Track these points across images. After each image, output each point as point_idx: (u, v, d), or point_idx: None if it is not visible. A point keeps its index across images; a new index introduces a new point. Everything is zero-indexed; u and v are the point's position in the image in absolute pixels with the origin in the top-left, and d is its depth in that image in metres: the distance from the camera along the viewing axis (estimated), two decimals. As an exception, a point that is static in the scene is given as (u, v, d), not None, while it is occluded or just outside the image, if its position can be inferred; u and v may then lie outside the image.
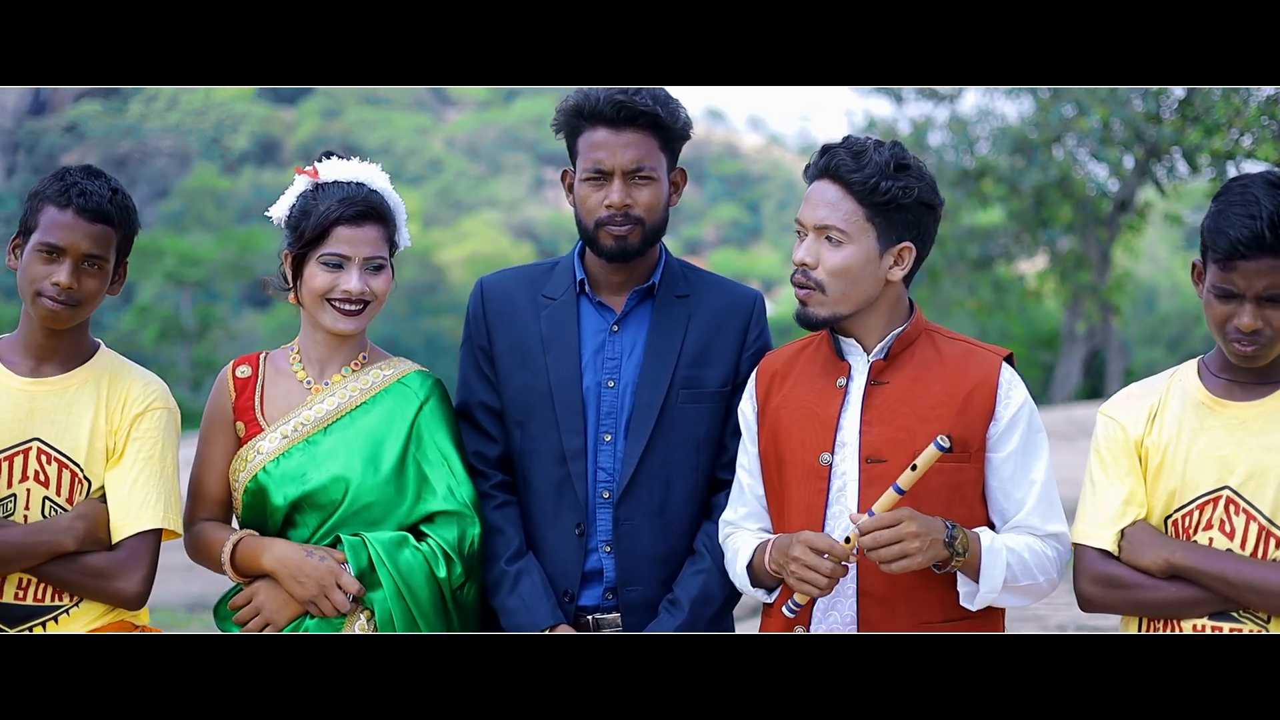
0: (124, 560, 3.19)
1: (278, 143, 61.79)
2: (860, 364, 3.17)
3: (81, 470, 3.22)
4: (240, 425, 3.43)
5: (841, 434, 3.13)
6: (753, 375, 3.36)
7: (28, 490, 3.19)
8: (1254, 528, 2.95)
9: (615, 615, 3.40)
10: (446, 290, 42.70)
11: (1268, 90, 11.20)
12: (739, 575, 3.24)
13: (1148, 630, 3.06)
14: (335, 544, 3.35)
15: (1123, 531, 3.05)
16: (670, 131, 3.39)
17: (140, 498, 3.22)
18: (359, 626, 3.33)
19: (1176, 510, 3.03)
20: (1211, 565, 2.94)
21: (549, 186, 65.12)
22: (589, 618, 3.41)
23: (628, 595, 3.40)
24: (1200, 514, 3.00)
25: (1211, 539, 2.98)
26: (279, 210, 3.46)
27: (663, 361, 3.42)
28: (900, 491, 2.95)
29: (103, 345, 3.35)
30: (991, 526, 3.15)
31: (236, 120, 61.77)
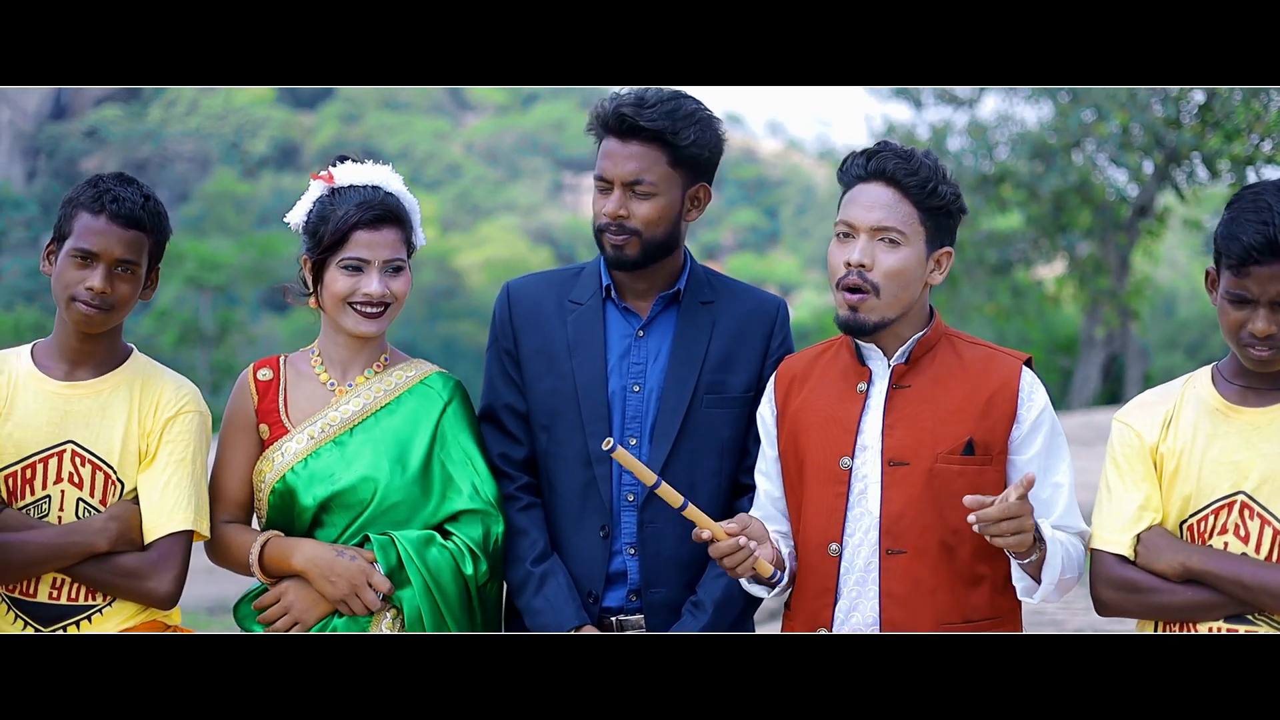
0: (156, 561, 3.24)
1: (297, 147, 61.99)
2: (881, 368, 3.21)
3: (115, 472, 3.28)
4: (264, 428, 3.47)
5: (862, 437, 3.17)
6: (771, 380, 3.40)
7: (62, 492, 3.24)
8: (1268, 532, 2.98)
9: (639, 617, 3.44)
10: (464, 295, 42.81)
11: (1289, 95, 11.18)
12: None
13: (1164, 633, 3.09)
14: (362, 543, 3.39)
15: (1139, 536, 3.08)
16: (679, 149, 3.39)
17: (172, 500, 3.27)
18: (385, 625, 3.37)
19: (1191, 515, 3.07)
20: (1227, 569, 2.98)
21: (567, 191, 65.25)
22: (613, 619, 3.44)
23: (651, 597, 3.43)
24: (1215, 519, 3.04)
25: (1226, 543, 3.02)
26: (296, 216, 3.51)
27: (688, 367, 3.45)
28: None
29: (135, 350, 3.40)
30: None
31: (256, 125, 61.99)
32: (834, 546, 3.16)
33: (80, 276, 3.21)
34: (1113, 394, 21.84)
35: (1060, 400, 21.31)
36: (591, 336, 3.49)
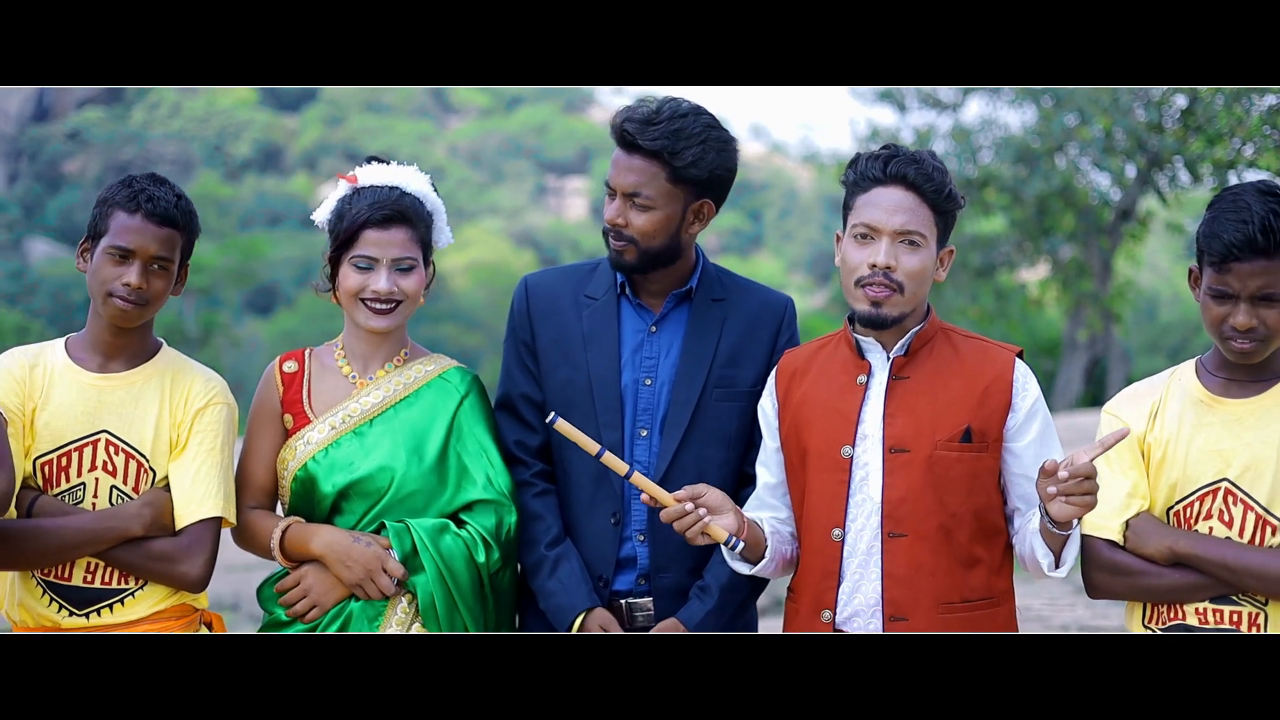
0: (187, 545, 3.35)
1: (280, 150, 61.74)
2: (880, 361, 3.33)
3: (147, 461, 3.39)
4: (288, 417, 3.59)
5: (863, 427, 3.29)
6: (772, 374, 3.51)
7: (96, 479, 3.35)
8: (1251, 517, 3.12)
9: (648, 600, 3.55)
10: (447, 297, 42.69)
11: (1270, 100, 11.22)
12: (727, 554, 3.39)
13: (1151, 615, 3.22)
14: (379, 530, 3.49)
15: (1127, 522, 3.21)
16: (678, 169, 3.49)
17: (202, 488, 3.38)
18: (400, 609, 3.48)
19: (1178, 502, 3.20)
20: (1212, 552, 3.11)
21: (550, 194, 65.12)
22: (622, 602, 3.55)
23: (660, 581, 3.55)
24: (1200, 505, 3.17)
25: (1211, 528, 3.15)
26: (321, 215, 3.63)
27: (698, 361, 3.57)
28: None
29: (165, 344, 3.51)
30: (1007, 514, 3.33)
31: (239, 127, 61.67)
32: (837, 531, 3.27)
33: (117, 273, 3.33)
34: (1095, 397, 21.88)
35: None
36: (606, 331, 3.60)
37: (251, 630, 4.10)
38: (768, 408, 3.49)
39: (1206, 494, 3.17)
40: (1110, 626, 7.69)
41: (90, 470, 3.36)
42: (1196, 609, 3.15)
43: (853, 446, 3.29)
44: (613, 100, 67.26)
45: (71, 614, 3.33)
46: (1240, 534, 3.13)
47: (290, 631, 3.51)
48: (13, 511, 3.26)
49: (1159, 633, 3.20)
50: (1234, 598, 3.13)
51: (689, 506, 3.20)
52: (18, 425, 3.30)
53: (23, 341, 3.54)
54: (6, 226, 50.59)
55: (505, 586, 3.59)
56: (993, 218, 21.19)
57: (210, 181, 55.22)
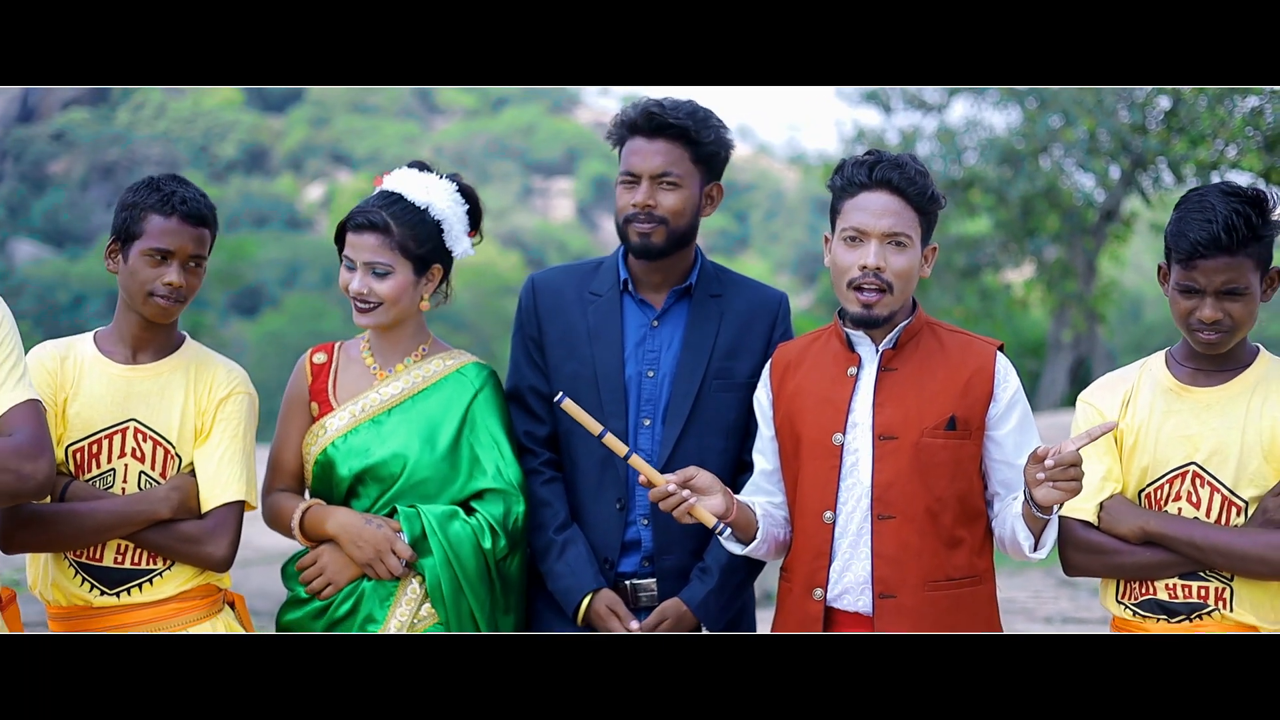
0: (213, 528, 3.50)
1: (266, 151, 61.42)
2: (869, 354, 3.48)
3: (174, 448, 3.54)
4: (314, 405, 3.75)
5: (853, 416, 3.44)
6: (767, 366, 3.65)
7: (125, 465, 3.50)
8: (1217, 498, 3.29)
9: (651, 581, 3.70)
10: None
11: (1253, 101, 11.33)
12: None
13: (1125, 591, 3.38)
14: (392, 514, 3.65)
15: (1102, 504, 3.37)
16: (700, 146, 3.67)
17: (226, 473, 3.53)
18: (411, 590, 3.63)
19: (1149, 484, 3.36)
20: (1181, 532, 3.27)
21: (536, 195, 65.02)
22: (627, 583, 3.70)
23: (663, 563, 3.70)
24: (1170, 487, 3.34)
25: (1180, 509, 3.32)
26: None
27: (698, 354, 3.71)
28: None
29: (188, 337, 3.68)
30: (987, 498, 3.48)
31: (224, 128, 61.35)
32: (828, 514, 3.43)
33: (157, 273, 3.48)
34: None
35: (1028, 402, 21.31)
36: (610, 326, 3.75)
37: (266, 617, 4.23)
38: (763, 398, 3.63)
39: (1175, 477, 3.33)
40: (1093, 617, 7.85)
41: (120, 457, 3.50)
42: (1167, 584, 3.31)
43: (844, 434, 3.44)
44: (598, 101, 67.21)
45: (103, 593, 3.47)
46: (1207, 514, 3.30)
47: (306, 610, 3.68)
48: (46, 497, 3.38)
49: (1132, 608, 3.36)
50: (1201, 574, 3.30)
51: (672, 488, 3.32)
52: (51, 415, 3.43)
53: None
54: (-10, 227, 50.42)
55: (512, 572, 3.72)
56: (978, 219, 21.19)
57: (196, 182, 54.84)
